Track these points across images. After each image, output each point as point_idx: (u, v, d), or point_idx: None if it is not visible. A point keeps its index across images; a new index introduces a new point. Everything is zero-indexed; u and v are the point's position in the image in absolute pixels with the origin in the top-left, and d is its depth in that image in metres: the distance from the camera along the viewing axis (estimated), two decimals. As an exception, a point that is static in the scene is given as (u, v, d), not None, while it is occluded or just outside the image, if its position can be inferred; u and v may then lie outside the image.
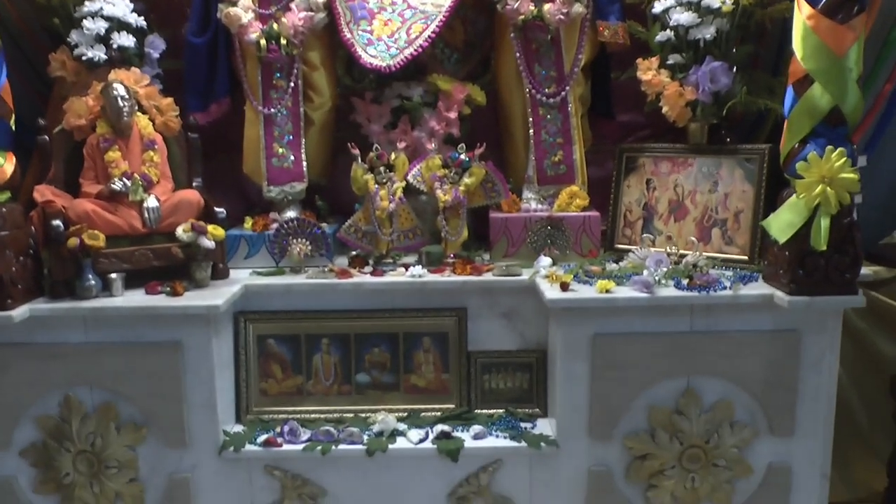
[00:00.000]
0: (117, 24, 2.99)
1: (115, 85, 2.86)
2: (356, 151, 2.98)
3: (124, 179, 2.81)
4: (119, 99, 2.84)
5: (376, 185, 2.98)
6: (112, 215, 2.78)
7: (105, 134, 2.87)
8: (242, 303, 2.85)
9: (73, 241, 2.66)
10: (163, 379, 2.65)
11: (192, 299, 2.67)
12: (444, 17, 3.09)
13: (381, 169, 2.99)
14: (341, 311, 2.86)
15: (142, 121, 2.93)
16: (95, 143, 2.87)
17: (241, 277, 2.92)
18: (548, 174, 3.19)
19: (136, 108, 2.93)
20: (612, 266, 2.87)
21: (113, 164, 2.85)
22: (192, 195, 2.90)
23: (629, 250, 2.95)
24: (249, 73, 3.16)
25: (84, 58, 2.99)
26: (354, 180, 2.99)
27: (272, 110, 3.16)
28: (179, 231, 2.80)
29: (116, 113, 2.85)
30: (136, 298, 2.70)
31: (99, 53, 2.99)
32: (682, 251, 2.87)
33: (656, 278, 2.69)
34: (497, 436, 2.78)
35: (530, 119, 3.17)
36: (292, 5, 3.09)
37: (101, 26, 2.97)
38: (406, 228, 3.05)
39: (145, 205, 2.82)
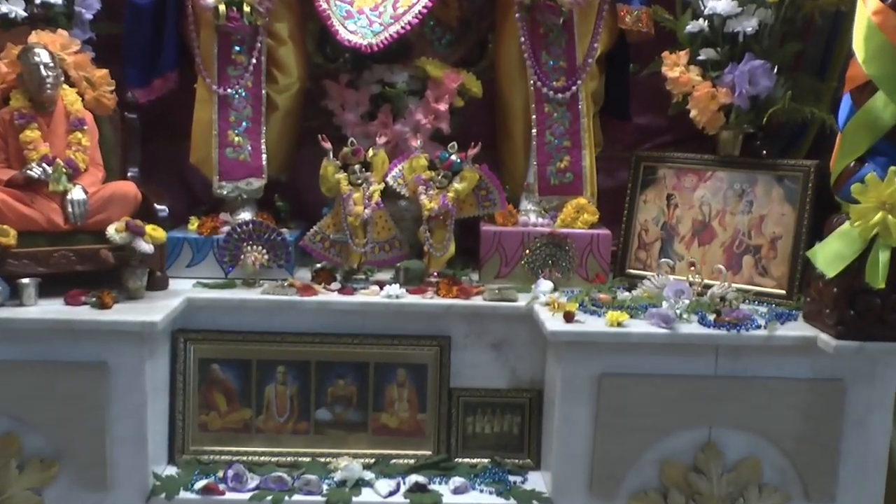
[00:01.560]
0: (41, -26, 2.96)
1: (36, 50, 2.80)
2: (327, 145, 2.97)
3: (44, 165, 2.75)
4: (41, 67, 2.78)
5: (349, 187, 2.97)
6: (26, 207, 2.72)
7: (21, 108, 2.81)
8: (183, 319, 2.83)
9: (-25, 237, 2.62)
10: (82, 406, 2.59)
11: (123, 313, 2.64)
12: (438, -11, 3.10)
13: (356, 167, 2.97)
14: (301, 333, 2.85)
15: (68, 95, 2.89)
16: (9, 118, 2.81)
17: (183, 289, 2.91)
18: (551, 182, 3.20)
19: (63, 79, 2.87)
20: (623, 295, 2.88)
21: (30, 146, 2.79)
22: (127, 187, 2.86)
23: (644, 277, 2.98)
24: (203, 45, 3.13)
25: (-3, 14, 2.94)
26: (324, 179, 2.98)
27: (229, 90, 3.14)
28: (111, 230, 2.76)
29: (37, 84, 2.79)
30: (53, 309, 2.65)
31: (16, 9, 2.94)
32: (707, 281, 2.89)
33: (677, 311, 2.68)
34: (481, 490, 2.77)
35: (533, 117, 3.17)
36: (259, -35, 3.10)
37: (19, -26, 2.95)
38: (383, 239, 3.04)
39: (69, 197, 2.75)
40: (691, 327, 2.64)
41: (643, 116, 3.48)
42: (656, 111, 3.37)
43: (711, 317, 2.67)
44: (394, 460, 2.85)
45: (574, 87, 3.14)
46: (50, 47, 2.84)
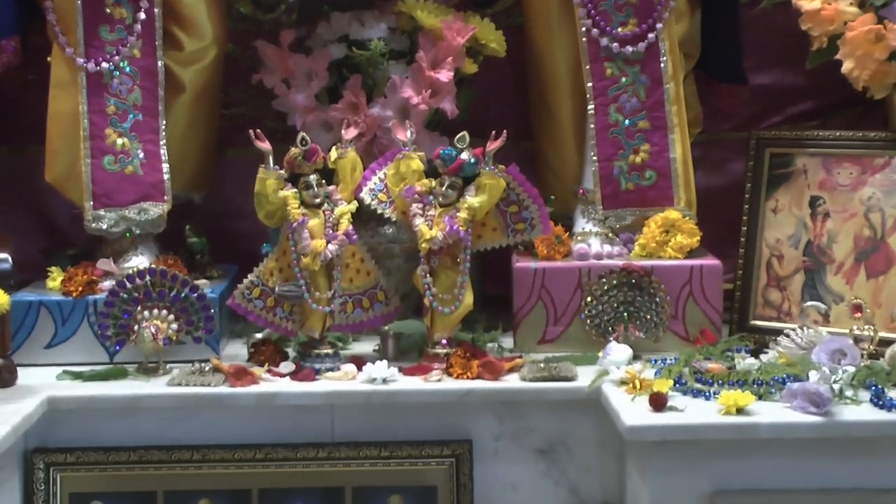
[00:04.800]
0: None
1: None
2: (264, 145, 2.95)
3: None
4: None
5: (302, 209, 2.95)
6: None
7: None
8: (43, 432, 2.86)
9: None
10: None
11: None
12: None
13: (312, 178, 2.97)
14: (235, 446, 2.88)
15: None
16: None
17: (42, 383, 2.92)
18: (622, 187, 3.23)
19: None
20: (746, 362, 2.87)
21: None
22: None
23: (779, 331, 2.99)
24: (60, -5, 3.17)
25: None
26: (261, 199, 2.96)
27: (103, 64, 3.16)
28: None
29: None
30: None
31: None
32: (883, 334, 2.90)
33: (835, 386, 2.66)
34: None
35: (588, 84, 3.20)
36: None
37: None
38: (358, 289, 3.06)
39: None
40: (860, 411, 2.63)
41: (764, 74, 3.51)
42: (786, 66, 3.43)
43: (893, 393, 2.67)
44: None
45: (652, 34, 3.16)
46: None
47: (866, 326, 2.90)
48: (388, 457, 2.86)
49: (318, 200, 2.96)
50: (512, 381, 2.87)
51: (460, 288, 2.97)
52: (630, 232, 3.19)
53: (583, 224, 3.22)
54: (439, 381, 2.88)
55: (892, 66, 2.98)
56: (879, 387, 2.68)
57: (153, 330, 2.94)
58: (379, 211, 3.03)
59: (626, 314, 3.06)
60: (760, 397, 2.68)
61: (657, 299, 3.05)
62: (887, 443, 2.61)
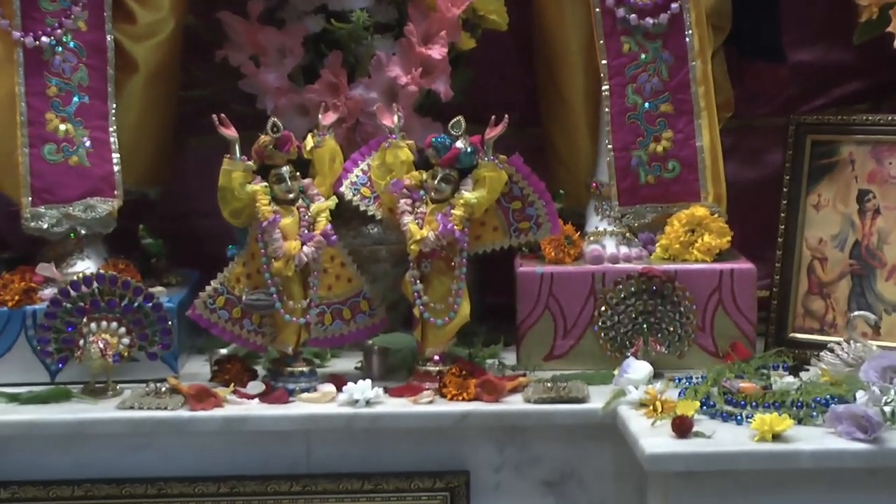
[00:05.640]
0: None
1: None
2: (230, 132, 2.95)
3: None
4: None
5: (273, 207, 2.96)
6: None
7: None
8: None
9: None
10: None
11: None
12: None
13: (285, 171, 2.98)
14: (196, 479, 2.88)
15: None
16: None
17: None
18: (641, 180, 3.25)
19: None
20: (784, 381, 2.86)
21: None
22: None
23: (822, 345, 2.99)
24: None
25: None
26: (226, 194, 2.96)
27: (43, 39, 3.17)
28: None
29: None
30: None
31: None
32: None
33: (885, 409, 2.65)
34: None
35: (603, 62, 3.23)
36: None
37: None
38: (338, 298, 3.07)
39: None
40: (914, 437, 2.66)
41: (805, 51, 3.57)
42: (830, 41, 3.47)
43: (955, 418, 2.68)
44: None
45: (675, 4, 3.17)
46: None
47: (922, 342, 2.91)
48: (373, 490, 2.86)
49: (291, 196, 2.97)
50: (515, 403, 2.86)
51: (455, 296, 2.97)
52: (650, 231, 3.20)
53: (596, 222, 3.24)
54: (431, 403, 2.87)
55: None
56: (938, 410, 2.69)
57: (101, 345, 2.92)
58: (362, 208, 3.04)
59: (645, 326, 3.06)
60: (800, 421, 2.66)
61: (681, 309, 3.06)
62: (948, 474, 2.62)
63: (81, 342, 2.94)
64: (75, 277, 3.00)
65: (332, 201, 2.99)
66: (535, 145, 3.27)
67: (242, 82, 3.31)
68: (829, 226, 3.16)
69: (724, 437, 2.61)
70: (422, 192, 2.98)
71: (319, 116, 3.06)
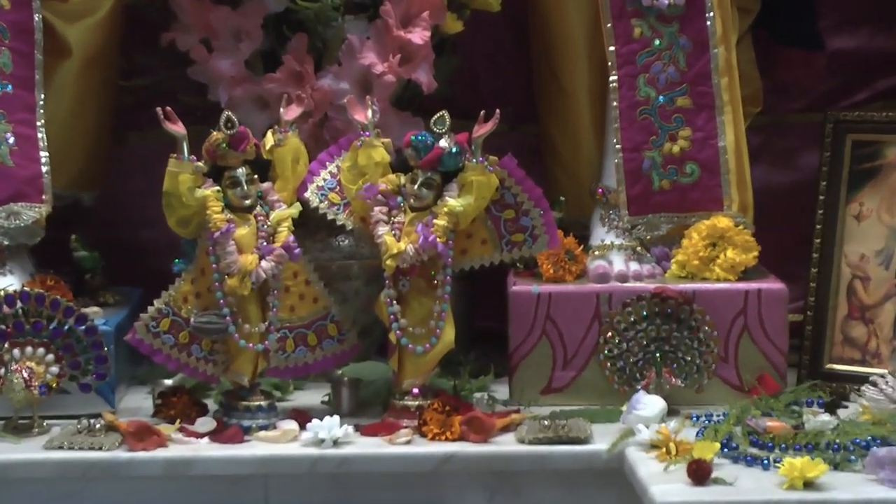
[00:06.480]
0: None
1: None
2: (176, 127, 2.96)
3: None
4: None
5: (226, 215, 2.96)
6: None
7: None
8: None
9: None
10: None
11: None
12: None
13: (240, 172, 2.98)
14: None
15: None
16: None
17: None
18: (655, 186, 3.27)
19: None
20: (818, 420, 2.83)
21: None
22: None
23: (863, 378, 3.00)
24: None
25: None
26: (172, 200, 2.96)
27: None
28: None
29: None
30: None
31: None
32: None
33: None
34: None
35: (610, 49, 3.27)
36: None
37: None
38: (302, 321, 3.08)
39: None
40: (969, 489, 2.65)
41: (845, 37, 3.62)
42: (874, 27, 3.52)
43: None
44: None
45: None
46: None
47: (980, 377, 2.89)
48: (341, 545, 2.82)
49: (248, 202, 2.97)
50: (506, 444, 2.86)
51: (438, 319, 2.98)
52: (665, 246, 3.23)
53: (602, 235, 3.26)
54: (409, 443, 2.86)
55: None
56: None
57: (26, 374, 2.91)
58: (330, 216, 3.05)
59: (658, 355, 3.07)
60: (836, 466, 2.64)
61: (700, 335, 3.06)
62: None
63: (2, 371, 2.92)
64: (-1, 295, 2.98)
65: (296, 209, 3.00)
66: (531, 145, 3.30)
67: (192, 70, 3.32)
68: (872, 240, 3.18)
69: (748, 485, 2.59)
70: (399, 199, 2.97)
71: (281, 110, 3.07)
